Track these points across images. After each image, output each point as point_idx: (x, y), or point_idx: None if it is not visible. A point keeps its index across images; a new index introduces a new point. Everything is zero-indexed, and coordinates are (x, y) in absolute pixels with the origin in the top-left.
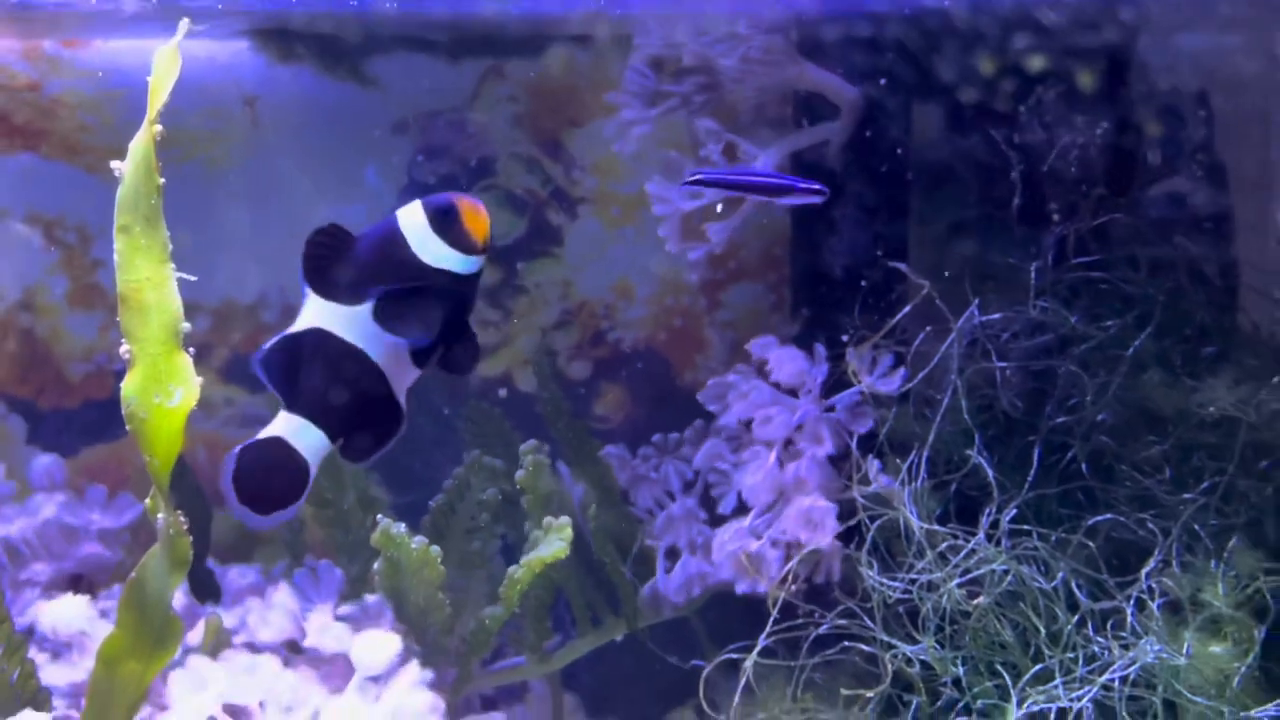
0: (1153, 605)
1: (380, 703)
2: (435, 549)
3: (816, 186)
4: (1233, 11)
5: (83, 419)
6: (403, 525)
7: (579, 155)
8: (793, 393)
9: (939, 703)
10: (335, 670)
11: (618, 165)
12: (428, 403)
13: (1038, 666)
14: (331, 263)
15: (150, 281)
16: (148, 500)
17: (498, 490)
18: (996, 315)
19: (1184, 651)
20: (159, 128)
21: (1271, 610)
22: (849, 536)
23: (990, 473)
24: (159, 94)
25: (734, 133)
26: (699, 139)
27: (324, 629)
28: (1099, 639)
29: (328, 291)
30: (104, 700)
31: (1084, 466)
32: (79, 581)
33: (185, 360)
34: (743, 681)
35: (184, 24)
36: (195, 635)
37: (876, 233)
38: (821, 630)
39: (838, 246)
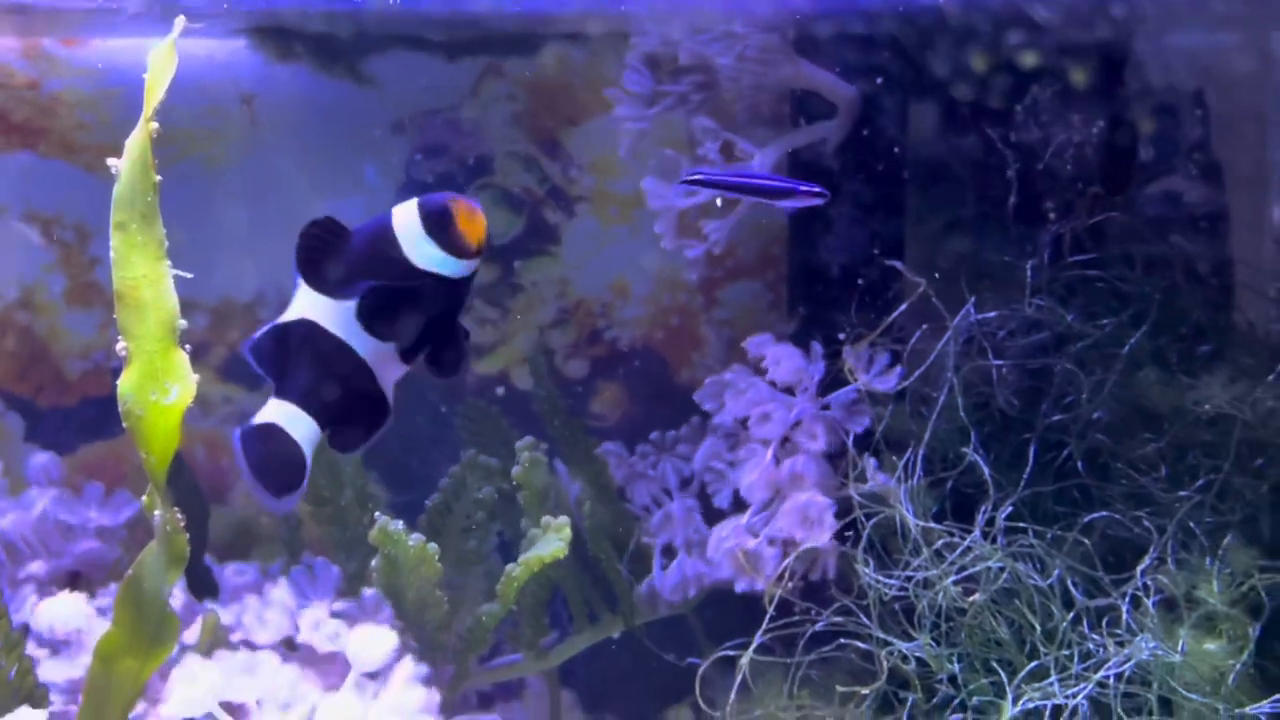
0: (1148, 602)
1: (377, 699)
2: (432, 546)
3: (817, 189)
4: (1228, 9)
5: (81, 416)
6: (400, 522)
7: (576, 154)
8: (790, 391)
9: (935, 700)
10: (332, 667)
11: (615, 164)
12: (425, 401)
13: (1033, 663)
14: (324, 255)
15: (146, 279)
16: (145, 497)
17: (494, 489)
18: (992, 313)
19: (1179, 648)
20: (155, 125)
21: (1266, 607)
22: (845, 534)
23: (986, 470)
24: (155, 91)
25: (731, 131)
26: (696, 137)
27: (320, 625)
28: (1094, 636)
29: (318, 284)
30: (101, 697)
31: (1079, 464)
32: (76, 578)
33: (182, 357)
34: (739, 679)
35: (180, 22)
36: (192, 633)
37: (873, 231)
38: (818, 627)
39: (834, 245)
